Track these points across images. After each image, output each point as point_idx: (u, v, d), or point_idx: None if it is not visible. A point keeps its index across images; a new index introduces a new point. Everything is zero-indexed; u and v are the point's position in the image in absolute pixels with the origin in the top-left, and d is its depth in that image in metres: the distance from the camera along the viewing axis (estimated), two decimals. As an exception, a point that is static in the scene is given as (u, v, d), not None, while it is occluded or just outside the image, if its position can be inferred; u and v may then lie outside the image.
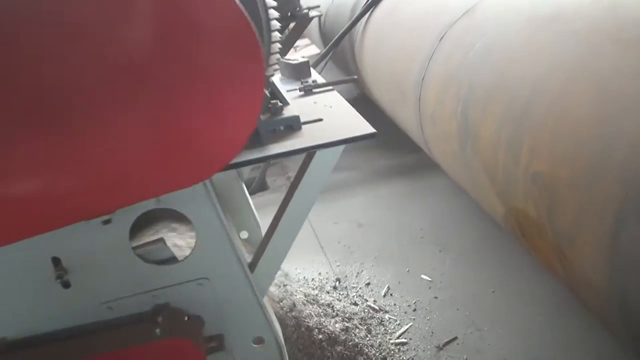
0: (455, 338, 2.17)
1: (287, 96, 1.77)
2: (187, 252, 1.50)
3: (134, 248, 1.44)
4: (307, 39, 7.30)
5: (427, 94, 2.51)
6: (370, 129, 1.44)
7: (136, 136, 0.94)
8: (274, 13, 1.38)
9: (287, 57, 2.18)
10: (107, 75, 0.89)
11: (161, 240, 1.53)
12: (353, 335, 2.10)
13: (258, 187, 3.92)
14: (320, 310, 2.17)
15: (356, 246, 2.93)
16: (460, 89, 2.13)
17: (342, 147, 1.44)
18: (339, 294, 2.51)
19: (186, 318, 1.54)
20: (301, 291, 2.29)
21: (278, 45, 1.44)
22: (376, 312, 2.36)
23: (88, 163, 0.95)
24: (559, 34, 1.67)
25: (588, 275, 1.45)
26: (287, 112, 1.54)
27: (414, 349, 2.15)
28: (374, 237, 2.99)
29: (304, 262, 2.82)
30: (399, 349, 2.15)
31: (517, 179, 1.72)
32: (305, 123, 1.54)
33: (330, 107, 1.68)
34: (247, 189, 3.85)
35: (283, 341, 1.66)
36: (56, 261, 1.38)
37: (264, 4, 1.32)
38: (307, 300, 2.19)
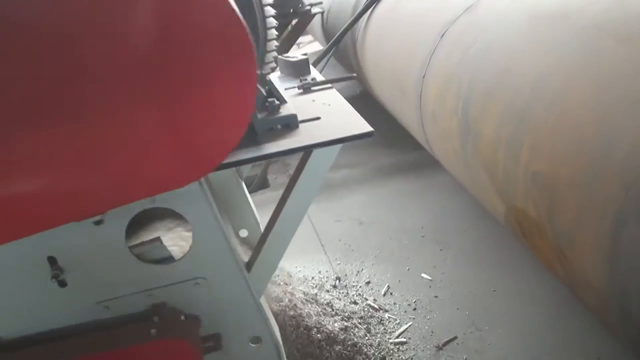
0: (455, 338, 2.16)
1: (285, 94, 1.75)
2: (184, 251, 1.50)
3: (130, 247, 1.43)
4: (310, 36, 7.27)
5: (428, 91, 2.49)
6: (368, 128, 1.42)
7: (125, 137, 0.93)
8: (270, 10, 1.37)
9: (288, 54, 2.16)
10: (96, 75, 0.88)
11: (158, 239, 1.52)
12: (352, 334, 2.09)
13: (259, 184, 3.91)
14: (320, 309, 2.16)
15: (357, 244, 2.92)
16: (461, 86, 2.11)
17: (339, 146, 1.42)
18: (339, 292, 2.50)
19: (183, 317, 1.54)
20: (300, 290, 2.28)
21: (275, 43, 1.42)
22: (376, 311, 2.35)
23: (76, 165, 0.94)
24: (561, 31, 1.65)
25: (588, 275, 1.43)
26: (285, 110, 1.52)
27: (414, 349, 2.14)
28: (374, 235, 2.98)
29: (304, 260, 2.81)
30: (398, 349, 2.14)
31: (517, 178, 1.71)
32: (302, 121, 1.52)
33: (329, 105, 1.67)
34: (248, 187, 3.86)
35: (280, 341, 1.65)
36: (52, 260, 1.38)
37: (260, 1, 1.31)
38: (306, 299, 2.18)
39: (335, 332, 2.04)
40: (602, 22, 1.50)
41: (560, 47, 1.61)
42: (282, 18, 4.36)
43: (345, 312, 2.24)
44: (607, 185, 1.30)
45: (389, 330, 2.24)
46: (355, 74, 1.95)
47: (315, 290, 2.39)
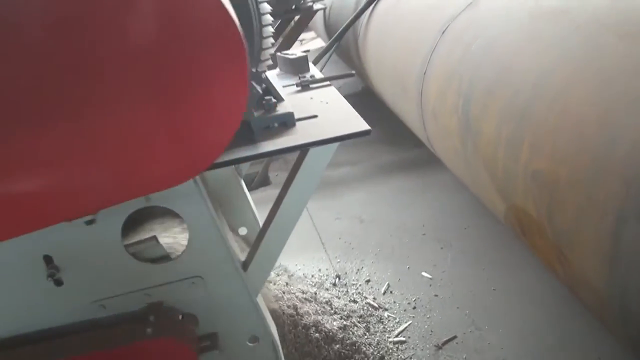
0: (455, 337, 2.15)
1: (283, 92, 1.74)
2: (180, 250, 1.49)
3: (126, 246, 1.43)
4: (313, 32, 7.25)
5: (428, 88, 2.47)
6: (365, 126, 1.41)
7: (113, 137, 0.92)
8: (266, 7, 1.35)
9: (289, 50, 2.14)
10: (86, 75, 0.87)
11: (154, 238, 1.51)
12: (351, 333, 2.08)
13: (260, 182, 3.90)
14: (319, 308, 2.15)
15: (357, 242, 2.91)
16: (462, 84, 2.09)
17: (336, 145, 1.41)
18: (339, 291, 2.49)
19: (180, 317, 1.53)
20: (299, 288, 2.27)
21: (271, 40, 1.41)
22: (375, 310, 2.34)
23: (65, 165, 0.93)
24: (563, 28, 1.62)
25: (588, 274, 1.42)
26: (282, 108, 1.51)
27: (413, 348, 2.13)
28: (375, 233, 2.96)
29: (304, 258, 2.80)
30: (397, 348, 2.12)
31: (517, 176, 1.69)
32: (299, 120, 1.51)
33: (327, 103, 1.65)
34: (249, 185, 3.86)
35: (278, 340, 1.64)
36: (48, 259, 1.38)
37: (255, -2, 1.29)
38: (305, 298, 2.17)
39: (334, 331, 2.03)
40: (603, 18, 1.48)
41: (561, 43, 1.58)
42: (284, 14, 4.35)
43: (345, 311, 2.23)
44: (608, 183, 1.29)
45: (388, 329, 2.23)
46: (354, 72, 1.93)
47: (315, 289, 2.38)
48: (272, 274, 2.30)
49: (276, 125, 1.48)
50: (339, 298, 2.38)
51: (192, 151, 0.99)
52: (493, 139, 1.84)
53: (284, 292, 2.12)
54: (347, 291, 2.49)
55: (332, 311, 2.19)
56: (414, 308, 2.35)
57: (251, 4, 1.27)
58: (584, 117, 1.41)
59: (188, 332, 1.48)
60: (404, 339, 2.18)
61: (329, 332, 2.01)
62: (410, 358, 2.08)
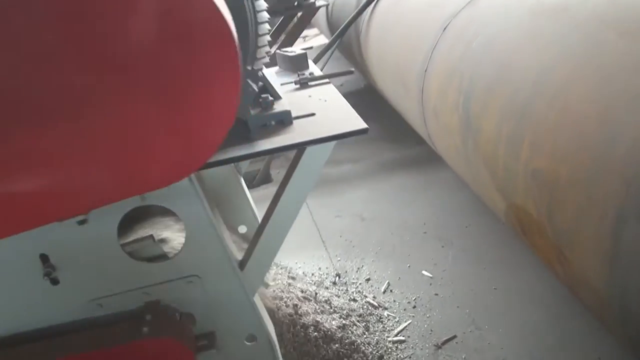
0: (455, 336, 2.13)
1: (281, 89, 1.73)
2: (177, 249, 1.48)
3: (122, 245, 1.42)
4: (316, 29, 7.23)
5: (429, 86, 2.45)
6: (362, 125, 1.39)
7: (102, 136, 0.91)
8: (262, 4, 1.34)
9: (293, 47, 2.13)
10: (73, 74, 0.86)
11: (150, 237, 1.51)
12: (350, 332, 2.07)
13: (262, 179, 3.90)
14: (318, 307, 2.14)
15: (358, 240, 2.89)
16: (462, 81, 2.07)
17: (333, 143, 1.40)
18: (338, 289, 2.48)
19: (178, 316, 1.53)
20: (299, 287, 2.27)
21: (267, 38, 1.39)
22: (375, 309, 2.33)
23: (54, 166, 0.92)
24: (563, 25, 1.60)
25: (587, 274, 1.40)
26: (279, 106, 1.50)
27: (412, 347, 2.11)
28: (376, 232, 2.95)
29: (304, 257, 2.79)
30: (396, 347, 2.11)
31: (517, 175, 1.67)
32: (297, 118, 1.50)
33: (325, 101, 1.64)
34: (251, 182, 3.85)
35: (275, 339, 1.64)
36: (44, 258, 1.37)
37: (250, -5, 1.28)
38: (304, 297, 2.16)
39: (333, 330, 2.02)
40: (603, 15, 1.46)
41: (561, 40, 1.56)
42: (287, 11, 4.33)
43: (344, 310, 2.22)
44: (608, 182, 1.27)
45: (387, 328, 2.22)
46: (352, 69, 1.92)
47: (314, 287, 2.37)
48: (272, 273, 2.29)
49: (273, 123, 1.47)
50: (339, 297, 2.37)
51: (183, 150, 0.98)
52: (493, 137, 1.82)
53: (282, 291, 2.11)
54: (347, 290, 2.48)
55: (332, 310, 2.18)
56: (414, 307, 2.34)
57: (246, 1, 1.26)
58: (584, 114, 1.39)
59: (185, 331, 1.48)
60: (403, 338, 2.16)
61: (328, 332, 2.00)
62: (410, 357, 2.07)
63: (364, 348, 2.04)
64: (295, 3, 4.26)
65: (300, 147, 1.39)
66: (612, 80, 1.33)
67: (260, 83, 1.51)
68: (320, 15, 5.26)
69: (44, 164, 0.92)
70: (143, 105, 0.90)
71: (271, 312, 1.93)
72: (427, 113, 2.53)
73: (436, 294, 2.39)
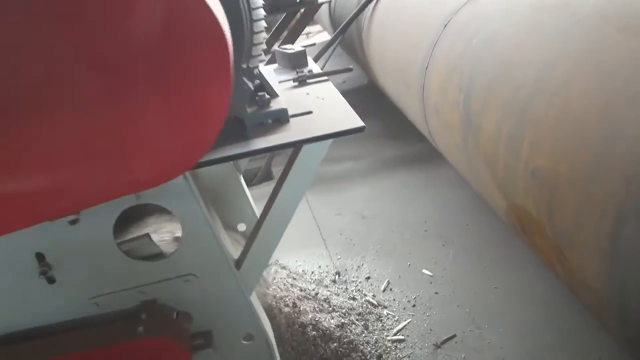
0: (454, 336, 2.12)
1: (280, 87, 1.72)
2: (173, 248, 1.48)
3: (118, 244, 1.42)
4: (319, 26, 7.19)
5: (430, 83, 2.43)
6: (359, 123, 1.38)
7: (91, 136, 0.90)
8: (257, 1, 1.32)
9: (296, 44, 2.11)
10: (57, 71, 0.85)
11: (146, 235, 1.50)
12: (349, 331, 2.06)
13: (263, 176, 3.88)
14: (317, 306, 2.13)
15: (358, 238, 2.88)
16: (463, 78, 2.05)
17: (329, 141, 1.38)
18: (338, 288, 2.47)
19: (175, 315, 1.52)
20: (298, 285, 2.26)
21: (264, 35, 1.38)
22: (375, 308, 2.31)
23: (41, 165, 0.92)
24: (564, 21, 1.58)
25: (587, 275, 1.39)
26: (275, 104, 1.49)
27: (411, 347, 2.10)
28: (376, 230, 2.93)
29: (304, 255, 2.78)
30: (395, 346, 2.10)
31: (517, 174, 1.65)
32: (293, 116, 1.48)
33: (322, 98, 1.62)
34: (252, 179, 3.84)
35: (273, 338, 1.63)
36: (40, 257, 1.37)
37: (246, -8, 1.26)
38: (303, 295, 2.15)
39: (332, 329, 2.01)
40: (605, 11, 1.44)
41: (562, 36, 1.54)
42: (289, 7, 4.31)
43: (343, 309, 2.21)
44: (608, 180, 1.25)
45: (387, 327, 2.21)
46: (351, 67, 1.90)
47: (314, 286, 2.36)
48: (271, 271, 2.28)
49: (270, 121, 1.46)
50: (338, 295, 2.36)
51: (173, 150, 0.97)
52: (494, 135, 1.80)
53: (282, 290, 2.11)
54: (346, 288, 2.47)
55: (331, 309, 2.17)
56: (414, 306, 2.32)
57: (241, -2, 1.24)
58: (585, 110, 1.38)
59: (181, 330, 1.47)
60: (402, 337, 2.15)
61: (327, 330, 1.99)
62: (409, 357, 2.05)
63: (362, 347, 2.03)
64: (298, 0, 4.23)
65: (296, 146, 1.38)
66: (613, 76, 1.31)
67: (257, 81, 1.50)
68: (323, 11, 5.24)
69: (33, 163, 0.91)
70: (133, 103, 0.89)
71: (270, 311, 1.92)
72: (428, 110, 2.51)
73: (436, 293, 2.37)
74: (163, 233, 1.67)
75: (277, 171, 3.91)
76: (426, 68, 2.46)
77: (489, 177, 1.92)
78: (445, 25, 2.34)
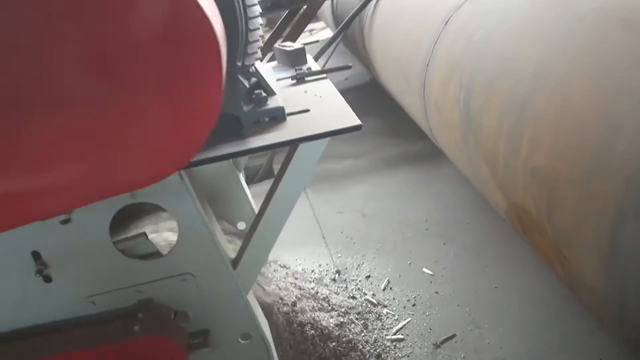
0: (454, 335, 2.10)
1: (277, 85, 1.70)
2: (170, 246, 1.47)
3: (115, 242, 1.41)
4: (323, 22, 7.17)
5: (431, 80, 2.41)
6: (356, 122, 1.37)
7: (79, 135, 0.89)
8: (253, -1, 1.31)
9: (298, 41, 2.10)
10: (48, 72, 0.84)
11: (143, 234, 1.49)
12: (348, 330, 2.05)
13: (265, 174, 3.87)
14: (316, 304, 2.12)
15: (359, 237, 2.87)
16: (463, 75, 2.03)
17: (326, 140, 1.37)
18: (338, 286, 2.46)
19: (173, 314, 1.52)
20: (298, 284, 2.25)
21: (259, 32, 1.37)
22: (374, 307, 2.30)
23: (31, 164, 0.91)
24: (564, 17, 1.56)
25: (586, 274, 1.37)
26: (272, 102, 1.47)
27: (411, 346, 2.09)
28: (377, 228, 2.92)
29: (304, 253, 2.77)
30: (394, 346, 2.09)
31: (517, 172, 1.64)
32: (290, 114, 1.47)
33: (320, 97, 1.61)
34: (254, 177, 3.83)
35: (270, 337, 1.62)
36: (36, 255, 1.37)
37: (240, -11, 1.25)
38: (302, 294, 2.14)
39: (330, 328, 2.00)
40: (604, 6, 1.41)
41: (563, 34, 1.52)
42: (291, 4, 4.29)
43: (342, 308, 2.20)
44: (607, 179, 1.24)
45: (386, 326, 2.19)
46: (350, 64, 1.88)
47: (314, 284, 2.35)
48: (270, 269, 2.27)
49: (266, 119, 1.45)
50: (338, 294, 2.35)
51: (164, 150, 0.95)
52: (494, 133, 1.79)
53: (281, 289, 2.10)
54: (346, 287, 2.46)
55: (330, 308, 2.16)
56: (414, 305, 2.31)
57: (236, -5, 1.23)
58: (584, 107, 1.36)
59: (177, 330, 1.47)
60: (402, 336, 2.14)
61: (325, 330, 1.98)
62: (408, 356, 2.04)
63: (361, 346, 2.01)
64: (301, -4, 4.22)
65: (292, 144, 1.37)
66: (613, 72, 1.29)
67: (253, 79, 1.49)
68: (326, 8, 5.21)
69: (22, 161, 0.90)
70: (123, 102, 0.88)
71: (268, 310, 1.92)
72: (429, 107, 2.49)
73: (436, 292, 2.36)
74: (164, 231, 1.67)
75: (278, 169, 3.89)
76: (427, 65, 2.44)
77: (489, 175, 1.90)
78: (447, 22, 2.32)
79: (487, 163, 1.89)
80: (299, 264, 2.68)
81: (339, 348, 1.96)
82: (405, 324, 2.20)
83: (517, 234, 2.49)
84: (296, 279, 2.34)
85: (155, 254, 1.50)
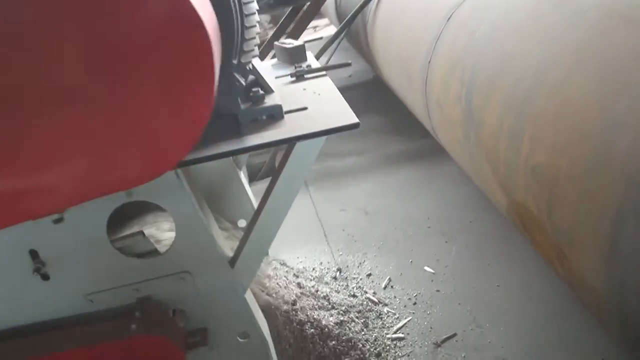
0: (455, 334, 2.09)
1: (276, 83, 1.69)
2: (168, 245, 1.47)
3: (112, 241, 1.41)
4: (327, 19, 7.14)
5: (433, 77, 2.39)
6: (354, 119, 1.35)
7: (69, 134, 0.88)
8: (249, -4, 1.30)
9: (302, 37, 2.08)
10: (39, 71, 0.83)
11: (140, 233, 1.49)
12: (348, 329, 2.04)
13: (267, 172, 3.87)
14: (316, 303, 2.11)
15: (360, 235, 2.85)
16: (465, 72, 2.01)
17: (323, 138, 1.36)
18: (338, 285, 2.45)
19: (171, 312, 1.52)
20: (298, 282, 2.24)
21: (256, 30, 1.35)
22: (375, 305, 2.29)
23: (24, 163, 0.90)
24: (566, 13, 1.54)
25: (586, 274, 1.36)
26: (270, 100, 1.46)
27: (411, 345, 2.08)
28: (379, 226, 2.91)
29: (306, 251, 2.76)
30: (395, 345, 2.08)
31: (517, 171, 1.62)
32: (288, 112, 1.46)
33: (319, 94, 1.60)
34: (256, 174, 3.82)
35: (269, 336, 1.62)
36: (34, 254, 1.37)
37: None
38: (302, 292, 2.14)
39: (330, 327, 1.99)
40: (607, 2, 1.39)
41: (565, 30, 1.50)
42: (294, 1, 4.27)
43: (343, 306, 2.19)
44: (608, 177, 1.22)
45: (387, 325, 2.18)
46: (350, 62, 1.87)
47: (314, 283, 2.35)
48: (270, 268, 2.27)
49: (264, 117, 1.44)
50: (338, 292, 2.34)
51: (157, 148, 0.95)
52: (495, 131, 1.77)
53: (281, 287, 2.09)
54: (347, 285, 2.45)
55: (330, 306, 2.15)
56: (415, 304, 2.30)
57: (231, -8, 1.22)
58: (585, 104, 1.34)
59: (175, 329, 1.46)
60: (402, 335, 2.13)
61: (325, 328, 1.97)
62: (408, 355, 2.03)
63: (361, 345, 2.01)
64: (304, -7, 4.19)
65: (289, 143, 1.36)
66: (615, 69, 1.28)
67: (250, 76, 1.48)
68: (330, 4, 5.18)
69: (15, 160, 0.90)
70: (113, 101, 0.88)
71: (268, 308, 1.91)
72: (431, 105, 2.48)
73: (437, 291, 2.35)
74: (165, 230, 1.67)
75: (279, 166, 3.88)
76: (429, 62, 2.42)
77: (490, 173, 1.89)
78: (449, 19, 2.30)
79: (488, 161, 1.87)
80: (300, 262, 2.67)
81: (339, 347, 1.95)
82: (405, 323, 2.19)
83: (519, 232, 2.47)
84: (297, 277, 2.34)
85: (153, 252, 1.49)
